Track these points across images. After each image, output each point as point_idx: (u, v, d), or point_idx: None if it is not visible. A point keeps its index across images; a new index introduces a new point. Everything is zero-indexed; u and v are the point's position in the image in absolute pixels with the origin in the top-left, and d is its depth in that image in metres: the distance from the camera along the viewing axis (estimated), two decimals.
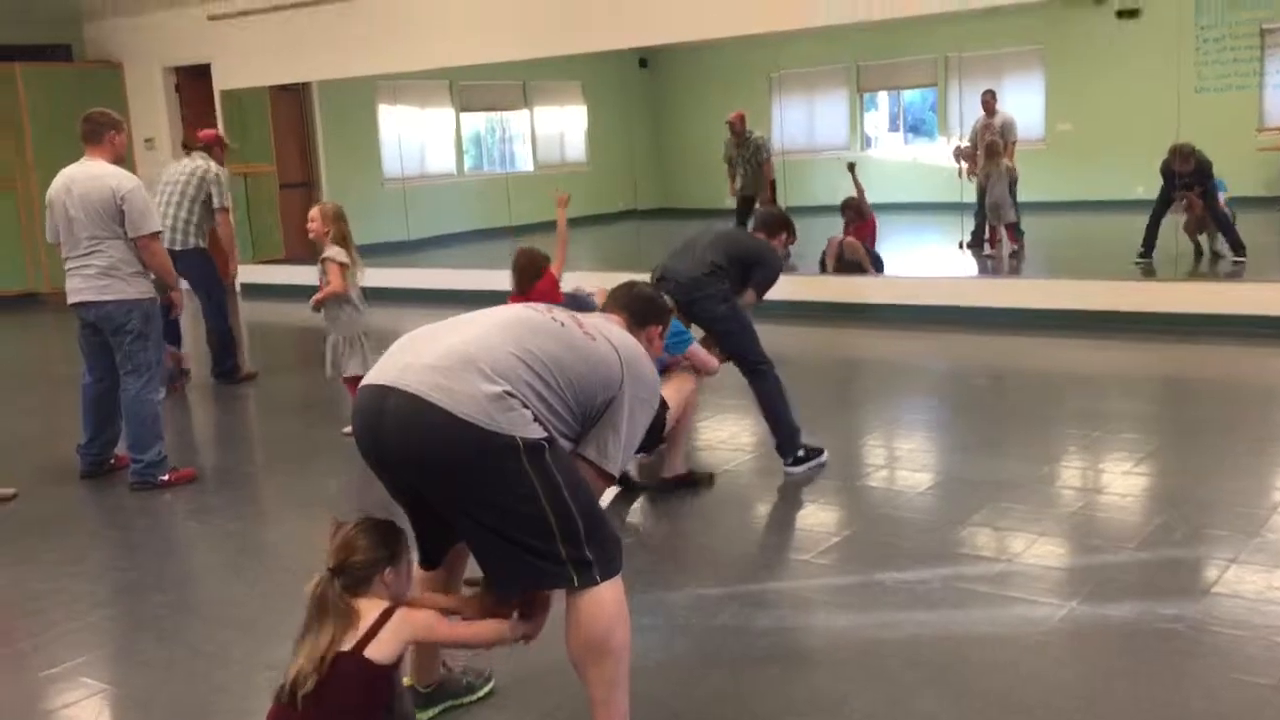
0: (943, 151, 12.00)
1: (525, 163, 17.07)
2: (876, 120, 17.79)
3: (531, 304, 2.69)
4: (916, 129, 17.67)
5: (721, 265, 4.86)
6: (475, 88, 15.39)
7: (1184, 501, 4.37)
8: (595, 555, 2.44)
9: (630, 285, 3.05)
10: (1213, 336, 7.18)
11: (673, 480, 4.80)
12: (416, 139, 15.55)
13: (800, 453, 4.91)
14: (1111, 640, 3.22)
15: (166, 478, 5.17)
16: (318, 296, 5.74)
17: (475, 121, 16.74)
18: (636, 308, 2.94)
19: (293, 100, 12.13)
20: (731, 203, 11.08)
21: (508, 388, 2.37)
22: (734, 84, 16.63)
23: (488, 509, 2.40)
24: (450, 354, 2.40)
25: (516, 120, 17.12)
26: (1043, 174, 11.83)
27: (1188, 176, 9.01)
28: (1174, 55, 10.70)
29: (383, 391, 2.41)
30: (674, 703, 2.96)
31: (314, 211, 5.86)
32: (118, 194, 5.02)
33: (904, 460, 5.29)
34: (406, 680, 2.84)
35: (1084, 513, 4.31)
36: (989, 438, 5.44)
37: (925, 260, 11.08)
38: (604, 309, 2.95)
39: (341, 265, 5.70)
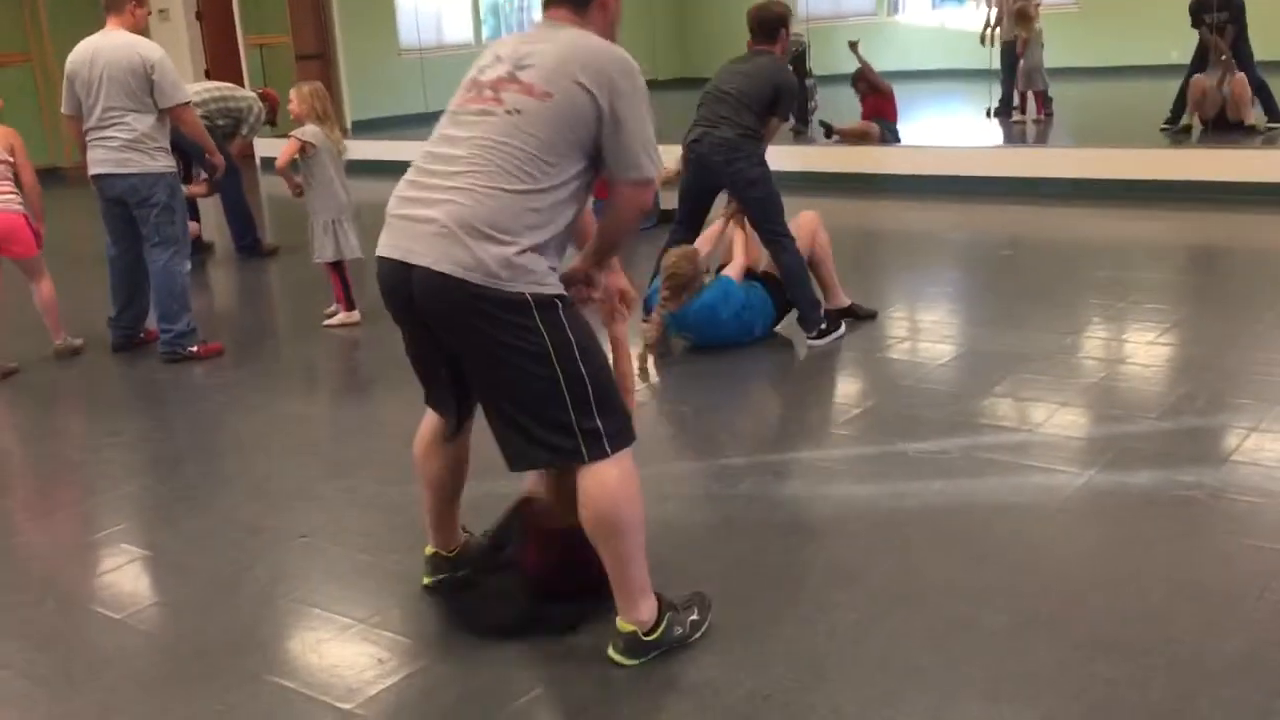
0: (970, 16, 11.65)
1: None
2: None
3: (483, 98, 2.51)
4: None
5: (753, 128, 4.88)
6: None
7: (1207, 370, 4.37)
8: (605, 425, 2.48)
9: None
10: (1242, 205, 7.07)
11: (836, 312, 5.04)
12: (433, 8, 15.24)
13: (823, 325, 4.93)
14: (1129, 508, 3.26)
15: (195, 349, 5.23)
16: (277, 165, 5.54)
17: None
18: None
19: None
20: None
21: (515, 233, 2.40)
22: None
23: (502, 371, 2.46)
24: (450, 217, 2.41)
25: None
26: (1074, 38, 11.51)
27: (1216, 5, 8.64)
28: None
29: (404, 268, 2.46)
30: (694, 568, 3.02)
31: (292, 92, 5.65)
32: (148, 63, 4.97)
33: (926, 332, 5.28)
34: (428, 549, 2.97)
35: (1106, 383, 4.32)
36: (1012, 309, 5.43)
37: (953, 128, 10.86)
38: (545, 9, 2.66)
39: (303, 143, 5.47)
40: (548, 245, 2.47)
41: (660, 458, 3.76)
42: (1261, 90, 8.79)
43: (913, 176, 8.48)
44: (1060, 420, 3.93)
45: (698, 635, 2.65)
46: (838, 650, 2.61)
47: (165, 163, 5.11)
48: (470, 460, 2.88)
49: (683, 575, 2.95)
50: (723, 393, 4.60)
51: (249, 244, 7.55)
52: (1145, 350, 4.70)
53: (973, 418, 4.01)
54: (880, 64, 9.77)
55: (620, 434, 2.51)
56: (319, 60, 12.19)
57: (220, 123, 7.09)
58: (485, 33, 16.16)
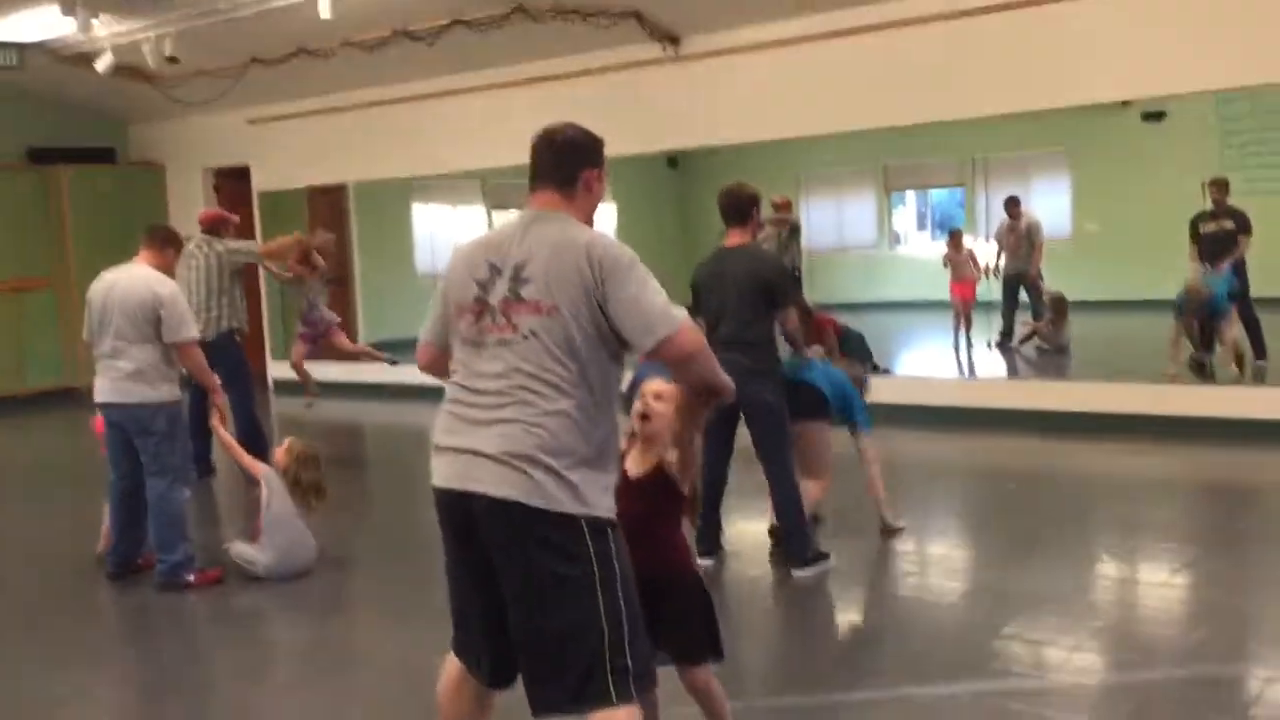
0: (974, 249, 12.04)
1: None
2: (905, 218, 17.93)
3: (498, 330, 2.59)
4: (944, 226, 17.77)
5: (765, 338, 4.85)
6: (506, 186, 15.66)
7: (1222, 615, 4.27)
8: (634, 665, 2.47)
9: (548, 138, 2.76)
10: (1247, 442, 7.09)
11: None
12: (449, 236, 15.81)
13: (809, 555, 4.86)
14: None
15: (192, 578, 5.17)
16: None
17: (506, 218, 16.98)
18: (560, 166, 2.71)
19: (329, 199, 12.38)
20: None
21: (566, 461, 2.48)
22: (762, 183, 16.76)
23: (540, 597, 2.47)
24: (504, 450, 2.48)
25: None
26: (1069, 273, 11.83)
27: (1221, 213, 8.75)
28: (1200, 157, 10.77)
29: (461, 496, 2.54)
30: None
31: (282, 448, 5.52)
32: (158, 298, 5.12)
33: (934, 567, 5.21)
34: None
35: (1120, 627, 4.23)
36: (1020, 546, 5.35)
37: (951, 359, 11.04)
38: (531, 187, 2.73)
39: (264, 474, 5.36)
40: (598, 457, 2.54)
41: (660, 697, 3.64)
42: (1251, 327, 8.79)
43: (915, 407, 8.54)
44: (1074, 666, 3.82)
45: None
46: None
47: (168, 393, 5.19)
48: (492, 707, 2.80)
49: None
50: (721, 625, 4.48)
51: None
52: (1158, 592, 4.62)
53: (985, 660, 3.90)
54: (882, 294, 10.01)
55: (645, 675, 2.51)
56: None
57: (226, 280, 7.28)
58: None
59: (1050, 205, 13.86)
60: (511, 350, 2.56)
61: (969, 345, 11.16)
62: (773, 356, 4.91)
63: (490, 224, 16.21)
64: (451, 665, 2.77)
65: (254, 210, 12.20)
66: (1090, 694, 3.63)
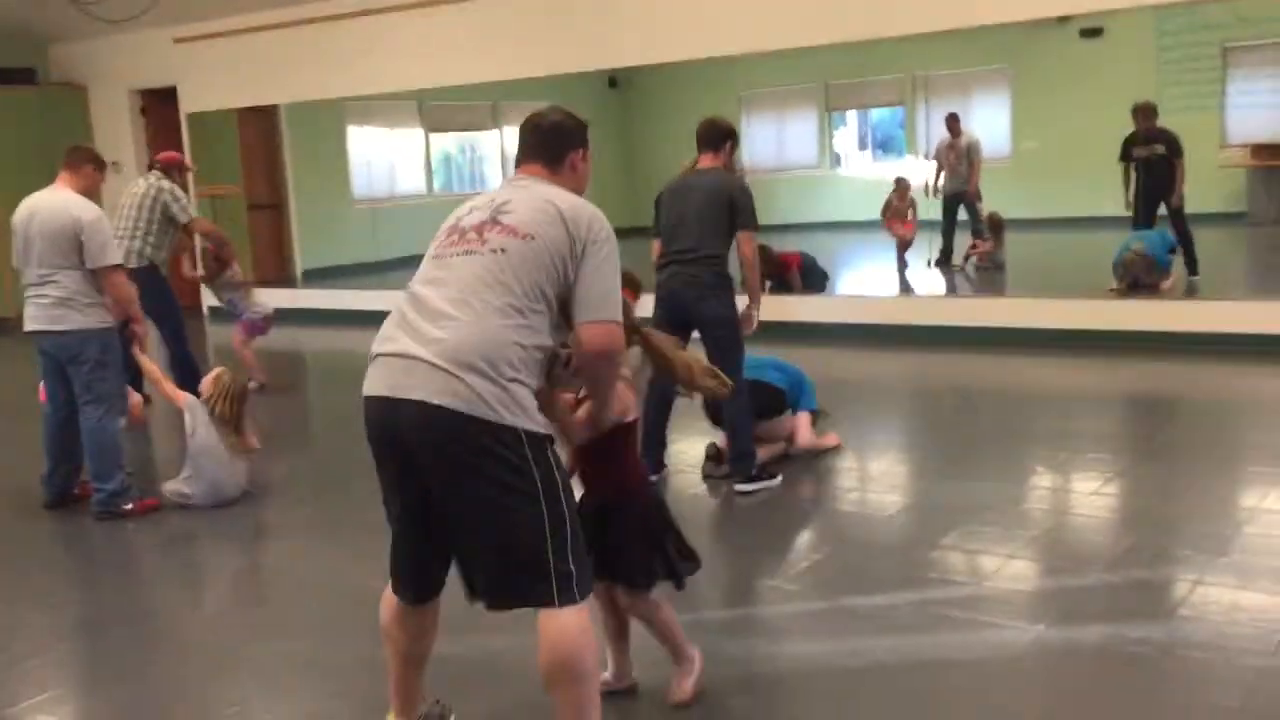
0: (911, 169, 12.07)
1: (496, 183, 17.06)
2: (845, 139, 17.91)
3: (467, 242, 2.62)
4: (885, 146, 17.79)
5: (720, 254, 4.92)
6: (444, 108, 15.37)
7: (1151, 522, 4.40)
8: (576, 569, 2.53)
9: (535, 123, 2.85)
10: (1179, 355, 7.25)
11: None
12: (385, 160, 15.53)
13: (754, 472, 4.92)
14: (1079, 665, 3.23)
15: (130, 506, 5.10)
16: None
17: (445, 142, 16.71)
18: (548, 146, 2.81)
19: (261, 121, 12.06)
20: None
21: (507, 374, 2.47)
22: (704, 103, 16.67)
23: (486, 506, 2.49)
24: (444, 354, 2.46)
25: (486, 141, 17.11)
26: (1008, 191, 11.92)
27: (1151, 137, 8.84)
28: (1137, 74, 10.83)
29: (392, 404, 2.51)
30: None
31: (210, 377, 5.45)
32: (79, 224, 4.98)
33: (874, 482, 5.29)
34: (389, 717, 2.87)
35: (1053, 534, 4.33)
36: (958, 459, 5.46)
37: (891, 278, 11.12)
38: (518, 162, 2.82)
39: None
40: (531, 381, 2.53)
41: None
42: (1185, 240, 9.01)
43: (857, 325, 8.61)
44: (1009, 573, 3.92)
45: None
46: None
47: (98, 319, 5.07)
48: (438, 625, 2.82)
49: None
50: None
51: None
52: (1090, 501, 4.74)
53: (922, 571, 3.98)
54: (822, 215, 10.02)
55: (585, 581, 2.56)
56: (271, 210, 12.29)
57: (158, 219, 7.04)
58: (437, 184, 16.45)
59: (990, 124, 13.90)
60: (473, 260, 2.57)
61: (905, 266, 11.24)
62: (726, 273, 4.98)
63: (428, 147, 15.97)
64: (391, 596, 2.78)
65: (182, 133, 11.88)
66: (1024, 599, 3.73)
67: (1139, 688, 3.07)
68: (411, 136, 15.77)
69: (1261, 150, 12.87)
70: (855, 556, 4.19)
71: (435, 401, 2.44)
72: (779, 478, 5.01)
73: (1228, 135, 13.49)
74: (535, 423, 2.51)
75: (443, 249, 2.66)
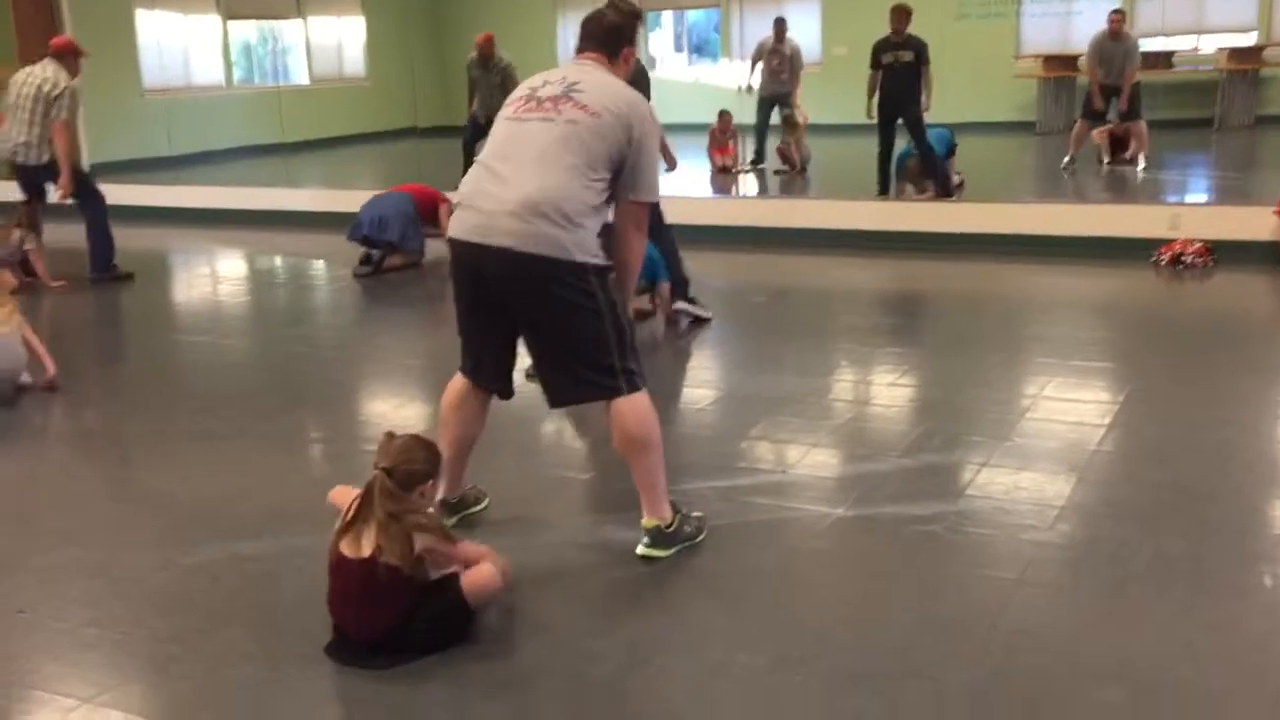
0: (726, 72, 12.13)
1: (300, 75, 16.32)
2: (661, 40, 17.83)
3: (543, 110, 3.08)
4: (700, 50, 17.81)
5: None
6: None
7: (943, 410, 4.63)
8: (635, 366, 3.16)
9: (598, 18, 3.31)
10: (961, 255, 7.61)
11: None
12: (180, 47, 14.61)
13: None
14: (874, 543, 3.39)
15: None
16: None
17: (245, 30, 15.83)
18: (607, 40, 3.28)
19: (38, 1, 11.14)
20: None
21: (576, 221, 3.00)
22: (518, 2, 16.29)
23: (563, 329, 3.09)
24: (524, 204, 2.98)
25: (290, 30, 16.29)
26: (819, 97, 12.14)
27: (900, 43, 8.81)
28: None
29: (479, 248, 3.04)
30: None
31: None
32: None
33: (686, 376, 5.39)
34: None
35: (853, 424, 4.51)
36: (768, 355, 5.61)
37: (705, 180, 11.22)
38: (579, 50, 3.28)
39: None
40: (594, 228, 3.07)
41: None
42: (927, 157, 8.84)
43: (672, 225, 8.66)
44: (812, 460, 4.07)
45: (699, 539, 3.31)
46: (600, 700, 2.58)
47: None
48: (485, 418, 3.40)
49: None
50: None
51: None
52: (887, 392, 4.95)
53: (730, 460, 4.09)
54: None
55: (641, 374, 3.19)
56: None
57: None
58: (237, 75, 15.59)
59: (801, 30, 14.03)
60: (549, 127, 3.05)
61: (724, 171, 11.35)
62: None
63: (225, 34, 15.08)
64: (457, 383, 3.36)
65: None
66: (825, 484, 3.87)
67: (928, 562, 3.25)
68: (208, 23, 14.87)
69: (1051, 61, 13.48)
70: (669, 447, 4.24)
71: (517, 247, 2.97)
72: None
73: (1022, 46, 14.07)
74: (598, 258, 3.07)
75: (519, 113, 3.15)
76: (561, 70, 3.26)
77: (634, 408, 3.15)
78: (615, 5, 3.35)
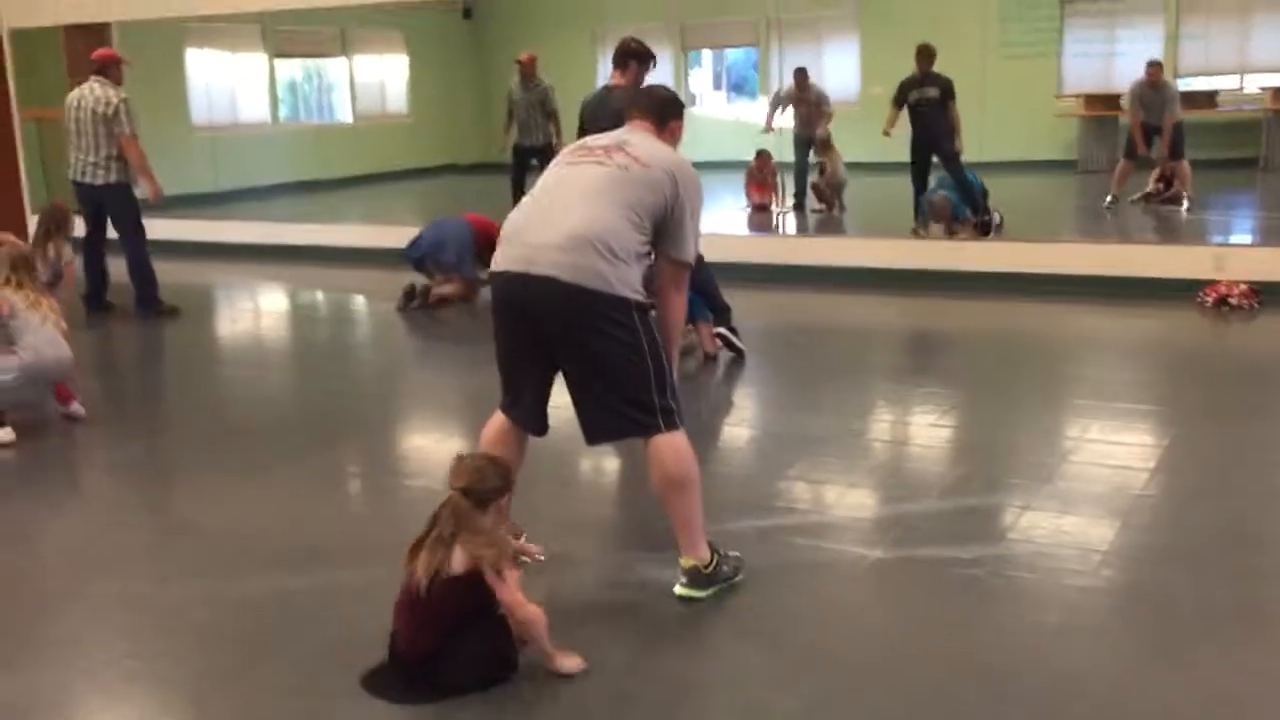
0: (763, 110, 12.17)
1: (344, 113, 16.56)
2: (700, 79, 17.94)
3: (594, 156, 3.21)
4: (739, 88, 17.89)
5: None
6: (290, 33, 14.78)
7: (982, 452, 4.60)
8: (675, 405, 3.18)
9: (650, 90, 3.58)
10: (999, 294, 7.57)
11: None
12: (227, 85, 14.87)
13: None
14: (914, 585, 3.36)
15: None
16: None
17: (291, 69, 16.10)
18: (657, 108, 3.43)
19: (90, 40, 11.36)
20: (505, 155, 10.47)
21: (620, 257, 3.05)
22: (558, 37, 16.48)
23: (603, 362, 3.10)
24: (573, 236, 3.04)
25: (335, 68, 16.54)
26: (857, 136, 12.13)
27: (925, 81, 8.93)
28: (979, 21, 11.07)
29: (522, 279, 3.09)
30: None
31: None
32: None
33: (724, 415, 5.38)
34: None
35: (891, 464, 4.49)
36: (806, 393, 5.60)
37: (743, 218, 11.25)
38: (629, 116, 3.42)
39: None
40: (636, 267, 3.12)
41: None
42: (964, 188, 8.88)
43: (711, 263, 8.67)
44: (849, 501, 4.05)
45: (737, 579, 3.29)
46: None
47: None
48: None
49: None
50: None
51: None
52: (927, 432, 4.92)
53: (768, 500, 4.08)
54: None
55: (680, 413, 3.21)
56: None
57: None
58: (283, 112, 15.85)
59: (839, 69, 14.11)
60: (600, 170, 3.16)
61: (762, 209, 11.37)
62: None
63: (272, 73, 15.34)
64: (496, 419, 3.38)
65: (3, 49, 11.13)
66: (862, 525, 3.85)
67: (968, 605, 3.21)
68: (255, 61, 15.14)
69: (1093, 100, 13.43)
70: (706, 485, 4.24)
71: (562, 277, 3.01)
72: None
73: (1064, 85, 14.03)
74: (639, 295, 3.11)
75: (573, 159, 3.27)
76: (612, 133, 3.37)
77: (672, 446, 3.16)
78: (666, 86, 3.60)
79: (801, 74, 11.25)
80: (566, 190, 3.18)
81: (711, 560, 3.25)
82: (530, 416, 3.35)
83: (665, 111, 3.44)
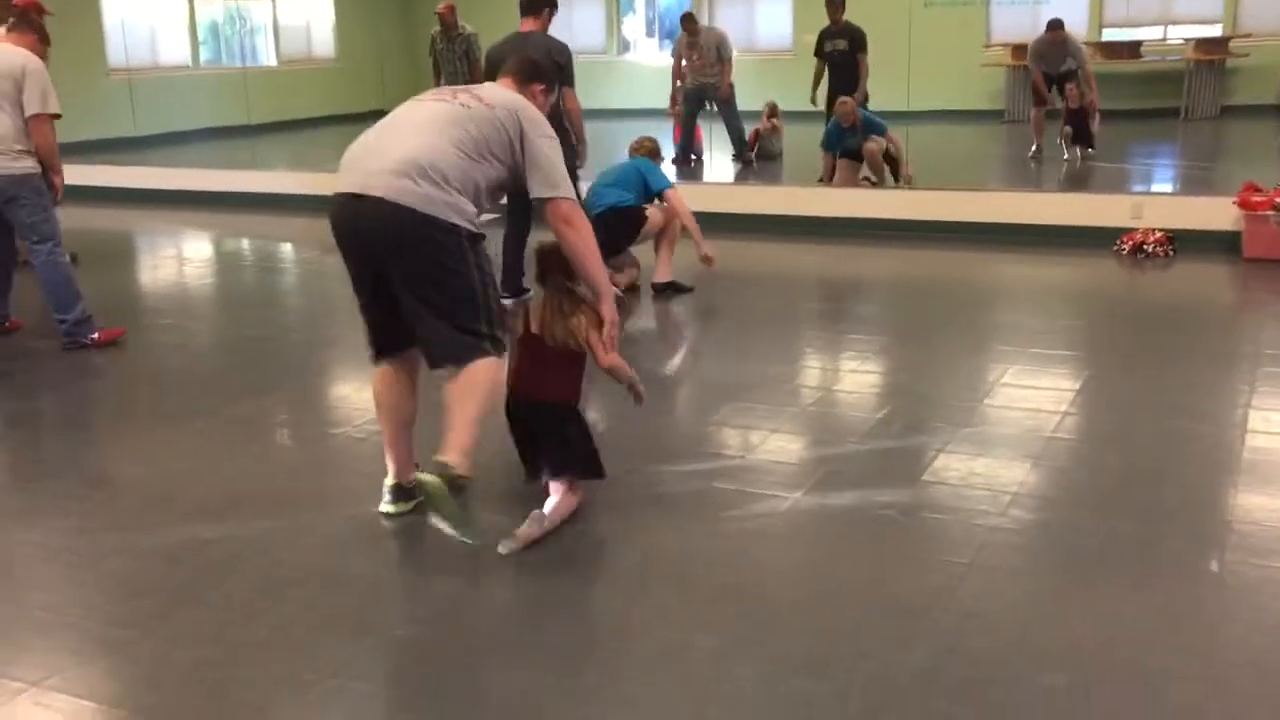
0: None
1: (268, 56, 16.18)
2: (633, 25, 17.78)
3: (441, 96, 3.36)
4: (673, 35, 17.77)
5: (555, 108, 5.42)
6: None
7: (903, 396, 4.67)
8: (499, 334, 3.24)
9: (520, 54, 3.89)
10: (930, 243, 7.65)
11: (661, 285, 6.31)
12: (145, 25, 14.45)
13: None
14: (832, 527, 3.42)
15: (95, 336, 5.44)
16: None
17: (212, 10, 15.68)
18: (521, 69, 3.59)
19: None
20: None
21: (453, 185, 3.12)
22: None
23: (432, 284, 3.14)
24: (405, 161, 3.11)
25: (258, 10, 16.14)
26: (793, 84, 12.13)
27: (837, 32, 9.01)
28: None
29: (355, 198, 3.14)
30: (403, 608, 2.95)
31: None
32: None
33: (649, 362, 5.40)
34: (388, 480, 3.43)
35: (815, 409, 4.54)
36: (734, 340, 5.63)
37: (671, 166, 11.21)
38: (499, 76, 3.60)
39: None
40: (469, 200, 3.17)
41: (351, 500, 3.63)
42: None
43: None
44: (772, 446, 4.09)
45: (455, 531, 3.06)
46: (552, 684, 2.59)
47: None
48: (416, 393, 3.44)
49: (394, 612, 2.88)
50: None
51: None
52: (849, 378, 4.98)
53: (692, 445, 4.12)
54: (610, 101, 9.94)
55: (504, 343, 3.28)
56: None
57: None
58: (204, 55, 15.44)
59: (774, 18, 14.05)
60: (441, 105, 3.27)
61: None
62: (561, 126, 5.32)
63: (192, 13, 14.92)
64: (379, 373, 3.42)
65: None
66: (785, 469, 3.90)
67: (882, 546, 3.28)
68: (174, 1, 14.72)
69: (1020, 50, 13.54)
70: (627, 433, 4.27)
71: (390, 198, 3.07)
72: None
73: (991, 34, 14.13)
74: (472, 226, 3.18)
75: (421, 98, 3.38)
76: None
77: (488, 365, 3.20)
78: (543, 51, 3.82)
79: (689, 19, 10.78)
80: (405, 122, 3.29)
81: (454, 484, 3.04)
82: (401, 345, 3.35)
83: (530, 73, 3.59)
